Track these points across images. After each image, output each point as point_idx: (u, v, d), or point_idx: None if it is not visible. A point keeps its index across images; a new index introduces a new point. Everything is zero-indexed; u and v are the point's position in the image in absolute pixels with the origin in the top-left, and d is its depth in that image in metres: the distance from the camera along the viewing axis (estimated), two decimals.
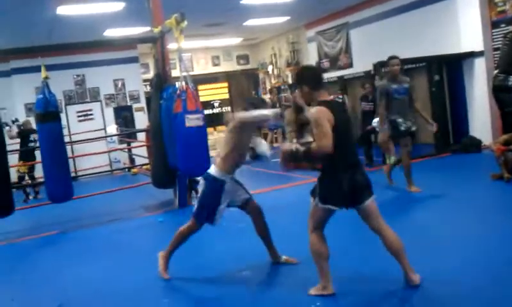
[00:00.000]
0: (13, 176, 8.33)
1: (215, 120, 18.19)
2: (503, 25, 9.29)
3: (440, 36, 10.36)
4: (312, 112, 3.64)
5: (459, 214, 5.72)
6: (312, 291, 3.80)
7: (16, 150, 9.70)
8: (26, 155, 9.99)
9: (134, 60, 14.14)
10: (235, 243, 5.45)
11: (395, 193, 7.20)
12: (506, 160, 6.79)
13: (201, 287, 4.42)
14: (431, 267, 3.99)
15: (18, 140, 10.19)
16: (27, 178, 10.33)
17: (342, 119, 3.68)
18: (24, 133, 10.25)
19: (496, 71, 8.57)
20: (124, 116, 14.02)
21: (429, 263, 4.10)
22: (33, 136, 9.90)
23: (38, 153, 8.52)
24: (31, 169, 10.22)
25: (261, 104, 4.80)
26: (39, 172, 9.32)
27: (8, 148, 7.13)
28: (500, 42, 9.03)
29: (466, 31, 9.91)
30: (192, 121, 6.91)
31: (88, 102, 13.81)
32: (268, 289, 4.31)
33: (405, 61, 10.49)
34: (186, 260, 4.94)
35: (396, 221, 4.71)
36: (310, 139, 3.76)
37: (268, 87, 17.70)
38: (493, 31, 9.52)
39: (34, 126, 9.42)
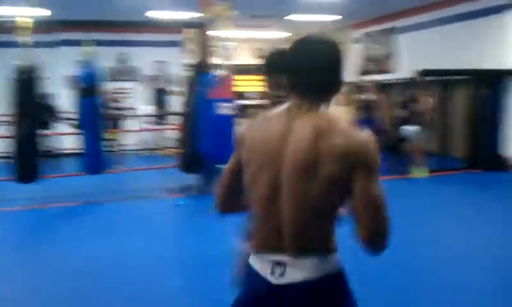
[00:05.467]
0: None
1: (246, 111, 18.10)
2: None
3: (485, 50, 10.03)
4: None
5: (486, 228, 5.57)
6: None
7: None
8: None
9: (176, 44, 14.21)
10: None
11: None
12: None
13: None
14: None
15: None
16: None
17: None
18: None
19: None
20: (161, 98, 14.09)
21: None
22: None
23: None
24: None
25: None
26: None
27: None
28: None
29: None
30: (224, 109, 6.99)
31: (129, 81, 13.98)
32: None
33: (448, 73, 10.30)
34: None
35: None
36: None
37: None
38: None
39: None
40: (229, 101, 7.15)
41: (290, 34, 16.24)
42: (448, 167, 9.63)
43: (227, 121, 6.97)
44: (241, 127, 1.75)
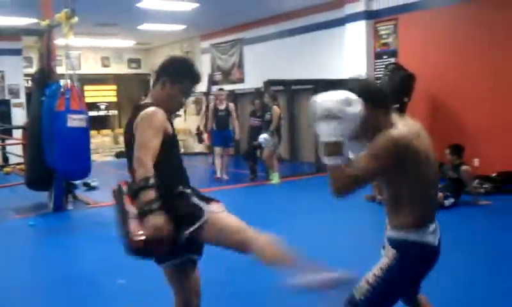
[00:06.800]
0: None
1: (100, 123, 17.61)
2: (385, 57, 9.88)
3: (327, 61, 10.81)
4: None
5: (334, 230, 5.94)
6: None
7: None
8: None
9: (16, 52, 13.32)
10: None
11: None
12: (378, 184, 7.14)
13: None
14: None
15: None
16: None
17: None
18: None
19: None
20: (1, 110, 13.12)
21: None
22: None
23: None
24: None
25: None
26: None
27: None
28: (381, 72, 9.61)
29: (351, 58, 10.39)
30: (75, 121, 6.66)
31: None
32: None
33: (293, 82, 10.92)
34: None
35: None
36: None
37: None
38: (376, 61, 10.08)
39: None
40: (80, 112, 6.80)
41: (135, 42, 16.06)
42: (299, 172, 10.22)
43: (80, 133, 6.68)
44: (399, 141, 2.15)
